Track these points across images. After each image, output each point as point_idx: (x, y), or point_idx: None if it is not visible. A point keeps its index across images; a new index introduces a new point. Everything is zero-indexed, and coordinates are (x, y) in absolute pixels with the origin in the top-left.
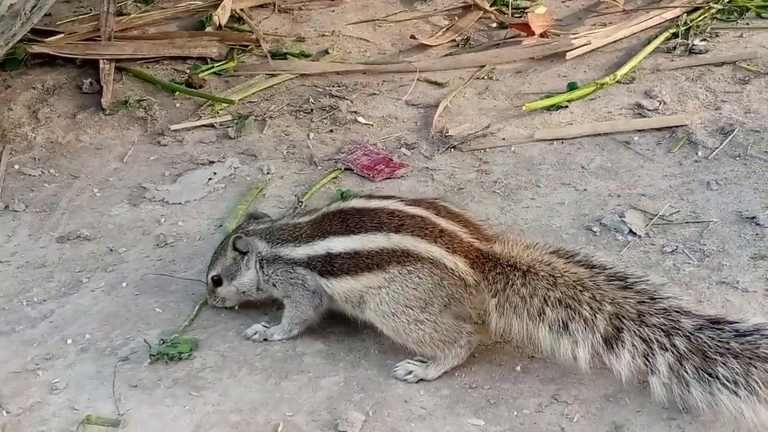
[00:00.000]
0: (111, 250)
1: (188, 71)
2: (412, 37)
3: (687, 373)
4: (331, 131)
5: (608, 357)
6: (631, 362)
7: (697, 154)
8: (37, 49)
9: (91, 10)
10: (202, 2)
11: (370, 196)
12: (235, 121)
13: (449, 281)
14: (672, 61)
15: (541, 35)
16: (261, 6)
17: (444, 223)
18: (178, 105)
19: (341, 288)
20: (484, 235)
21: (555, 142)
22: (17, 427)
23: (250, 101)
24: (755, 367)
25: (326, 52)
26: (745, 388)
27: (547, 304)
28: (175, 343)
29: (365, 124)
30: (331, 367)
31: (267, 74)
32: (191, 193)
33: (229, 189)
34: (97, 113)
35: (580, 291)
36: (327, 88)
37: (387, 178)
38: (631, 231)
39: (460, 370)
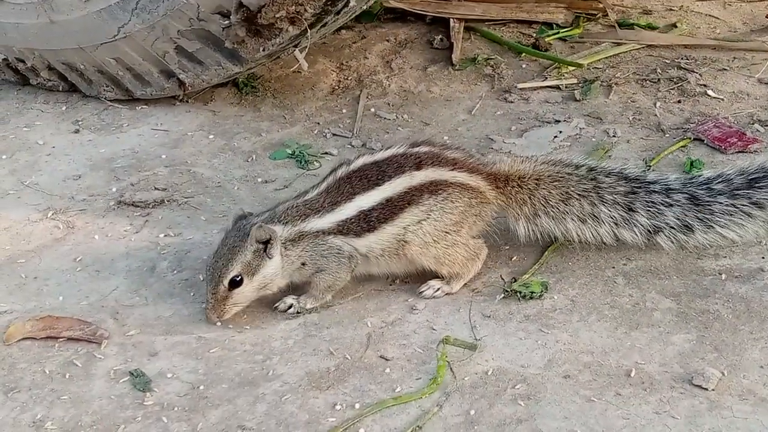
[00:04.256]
0: None
1: (534, 35)
2: None
3: (690, 219)
4: (679, 102)
5: (627, 228)
6: (648, 224)
7: None
8: (392, 3)
9: None
10: None
11: (372, 153)
12: (580, 84)
13: (476, 200)
14: None
15: None
16: None
17: (451, 154)
18: (523, 66)
19: (380, 239)
20: (483, 161)
21: None
22: (381, 338)
23: (595, 67)
24: (740, 196)
25: (674, 26)
26: (738, 215)
27: (571, 198)
28: (527, 283)
29: (715, 97)
30: (683, 325)
31: (613, 43)
32: (537, 148)
33: (575, 147)
34: (447, 68)
35: (587, 182)
36: (675, 60)
37: (739, 152)
38: None
39: None
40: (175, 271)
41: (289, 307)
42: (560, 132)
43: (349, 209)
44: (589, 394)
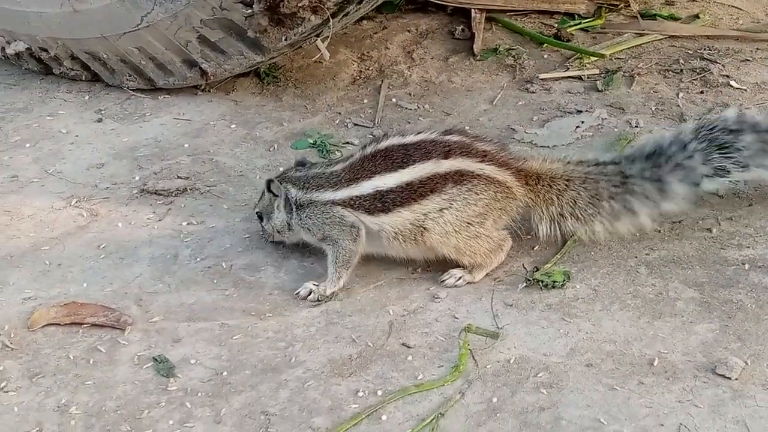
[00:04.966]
0: None
1: (556, 25)
2: None
3: (716, 161)
4: (702, 92)
5: (666, 201)
6: (683, 189)
7: None
8: None
9: None
10: None
11: (402, 134)
12: (602, 75)
13: (502, 195)
14: None
15: None
16: None
17: (483, 146)
18: (545, 56)
19: (394, 222)
20: (513, 156)
21: None
22: (403, 325)
23: (617, 57)
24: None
25: (696, 16)
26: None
27: (599, 200)
28: (549, 272)
29: (737, 88)
30: (706, 315)
31: (635, 33)
32: (559, 139)
33: (597, 138)
34: (468, 58)
35: (615, 177)
36: (698, 51)
37: None
38: None
39: None
40: (197, 259)
41: (310, 292)
42: (582, 122)
43: (365, 187)
44: (611, 383)
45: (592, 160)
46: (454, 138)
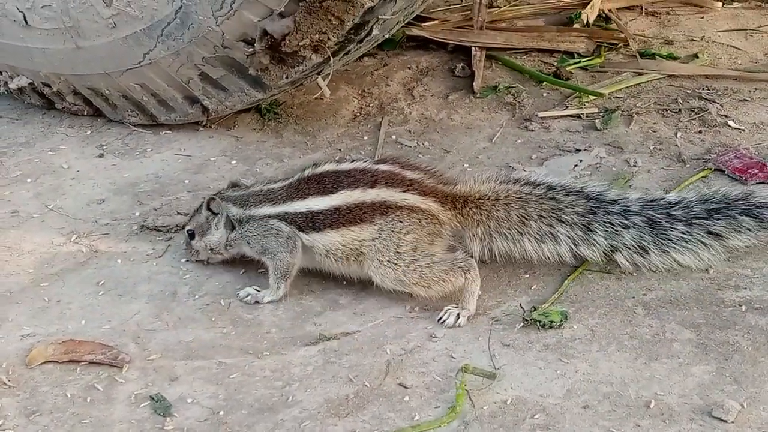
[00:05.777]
0: None
1: (555, 64)
2: None
3: (646, 242)
4: (700, 132)
5: (586, 246)
6: (605, 243)
7: None
8: (414, 32)
9: (462, 0)
10: (570, 0)
11: (339, 161)
12: (601, 113)
13: (427, 221)
14: None
15: None
16: (628, 8)
17: (410, 174)
18: (544, 95)
19: (324, 240)
20: (445, 181)
21: None
22: (400, 365)
23: (616, 96)
24: (697, 225)
25: (695, 56)
26: (693, 243)
27: (529, 219)
28: (547, 312)
29: (736, 128)
30: (702, 356)
31: (634, 72)
32: (557, 177)
33: (595, 177)
34: (468, 96)
35: (546, 202)
36: (696, 90)
37: (760, 183)
38: None
39: None
40: (196, 296)
41: (247, 295)
42: (581, 161)
43: (299, 206)
44: (608, 425)
45: (522, 179)
46: (384, 167)
